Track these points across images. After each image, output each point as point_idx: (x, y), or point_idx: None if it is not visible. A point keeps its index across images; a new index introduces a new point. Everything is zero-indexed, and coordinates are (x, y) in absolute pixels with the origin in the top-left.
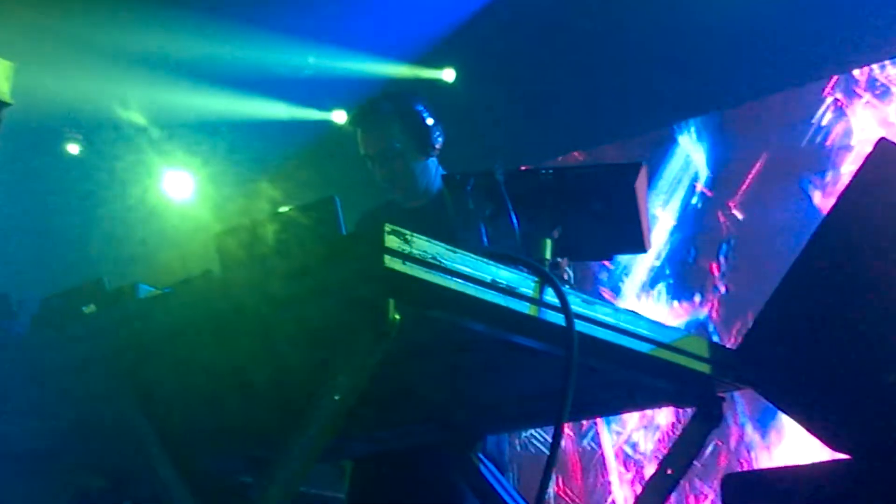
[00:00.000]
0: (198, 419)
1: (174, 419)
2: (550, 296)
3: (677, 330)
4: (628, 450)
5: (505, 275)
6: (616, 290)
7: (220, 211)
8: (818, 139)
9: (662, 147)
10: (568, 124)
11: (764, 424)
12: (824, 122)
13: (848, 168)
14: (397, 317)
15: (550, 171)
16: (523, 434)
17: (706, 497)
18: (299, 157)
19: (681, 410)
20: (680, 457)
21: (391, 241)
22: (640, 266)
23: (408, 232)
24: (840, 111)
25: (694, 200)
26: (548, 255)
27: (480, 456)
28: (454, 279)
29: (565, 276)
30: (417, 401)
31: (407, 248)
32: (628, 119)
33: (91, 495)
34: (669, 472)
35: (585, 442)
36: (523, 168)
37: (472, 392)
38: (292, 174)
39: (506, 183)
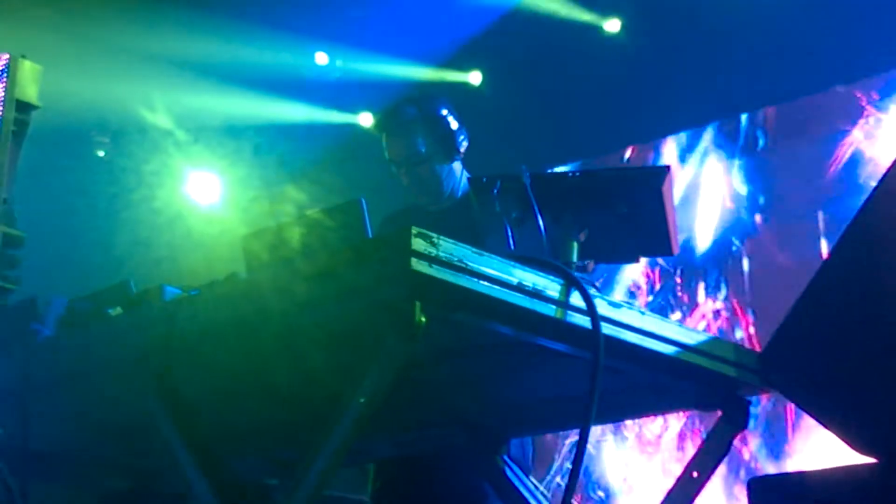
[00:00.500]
0: (223, 421)
1: (199, 421)
2: (577, 298)
3: (703, 333)
4: None
5: (531, 278)
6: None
7: (245, 213)
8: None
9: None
10: (593, 127)
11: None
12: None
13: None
14: (423, 319)
15: (577, 173)
16: None
17: None
18: (325, 159)
19: None
20: (706, 460)
21: (418, 244)
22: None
23: (434, 235)
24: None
25: None
26: (574, 258)
27: (505, 458)
28: (480, 282)
29: (595, 283)
30: (443, 403)
31: (433, 251)
32: (654, 122)
33: (117, 496)
34: (695, 475)
35: None
36: (550, 171)
37: (497, 395)
38: (318, 177)
39: (532, 185)
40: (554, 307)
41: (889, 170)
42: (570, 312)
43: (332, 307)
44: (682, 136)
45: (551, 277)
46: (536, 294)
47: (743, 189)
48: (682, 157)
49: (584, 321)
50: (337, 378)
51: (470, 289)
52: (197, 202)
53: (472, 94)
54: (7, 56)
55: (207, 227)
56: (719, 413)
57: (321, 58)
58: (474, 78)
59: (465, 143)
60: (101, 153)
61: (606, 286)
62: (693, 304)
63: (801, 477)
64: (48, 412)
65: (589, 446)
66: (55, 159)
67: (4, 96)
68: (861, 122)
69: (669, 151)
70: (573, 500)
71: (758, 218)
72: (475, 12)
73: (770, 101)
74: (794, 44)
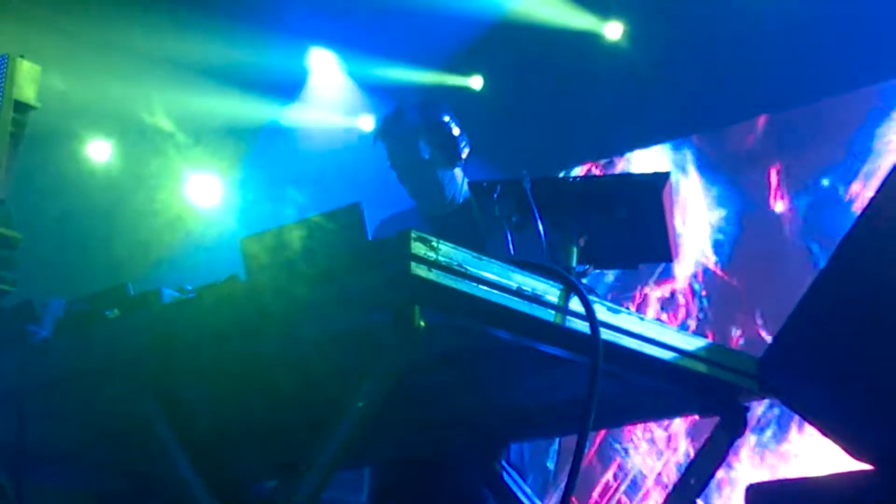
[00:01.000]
0: (221, 423)
1: (198, 423)
2: (576, 304)
3: (702, 339)
4: None
5: (530, 282)
6: None
7: (245, 215)
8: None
9: None
10: (594, 132)
11: None
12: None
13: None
14: (423, 323)
15: (577, 179)
16: None
17: None
18: (325, 161)
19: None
20: (703, 466)
21: (417, 248)
22: None
23: (434, 238)
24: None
25: None
26: (574, 263)
27: (504, 464)
28: (480, 286)
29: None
30: (442, 408)
31: (433, 255)
32: (654, 127)
33: (114, 498)
34: (692, 481)
35: None
36: (550, 176)
37: (496, 399)
38: (318, 179)
39: (532, 190)
40: (553, 312)
41: (889, 175)
42: (569, 317)
43: (331, 311)
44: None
45: (551, 282)
46: (536, 299)
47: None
48: None
49: (583, 326)
50: (336, 381)
51: (469, 293)
52: (197, 204)
53: (473, 99)
54: (5, 56)
55: (207, 229)
56: (717, 419)
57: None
58: (475, 83)
59: (466, 150)
60: (100, 152)
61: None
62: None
63: (797, 483)
64: (45, 414)
65: None
66: (55, 161)
67: (2, 96)
68: None
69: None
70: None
71: None
72: (476, 17)
73: (768, 109)
74: (794, 52)
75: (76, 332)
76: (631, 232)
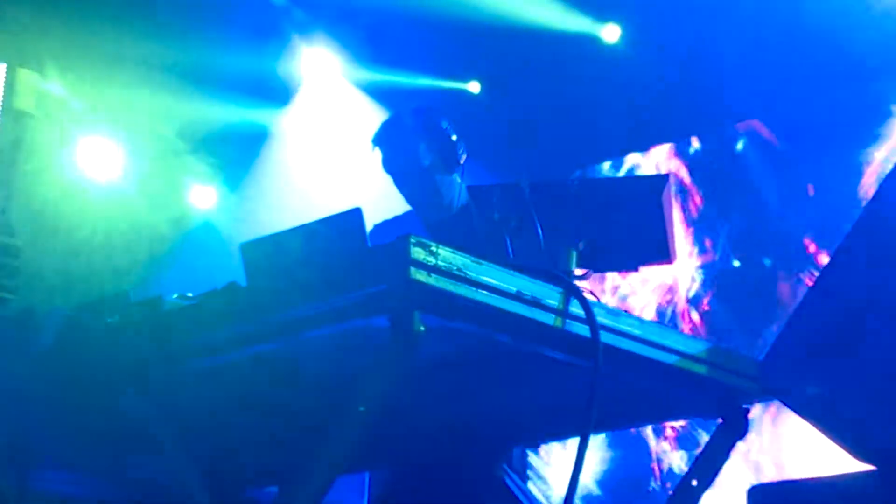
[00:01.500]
0: (222, 430)
1: (199, 430)
2: (576, 307)
3: (703, 341)
4: None
5: (530, 286)
6: None
7: (241, 222)
8: None
9: None
10: (592, 136)
11: None
12: None
13: None
14: (422, 328)
15: (576, 182)
16: None
17: None
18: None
19: None
20: (705, 468)
21: (417, 253)
22: None
23: (433, 243)
24: None
25: None
26: (573, 267)
27: (506, 467)
28: (479, 290)
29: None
30: (443, 412)
31: (432, 260)
32: (653, 130)
33: None
34: (694, 483)
35: None
36: (549, 179)
37: (497, 404)
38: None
39: (531, 194)
40: (553, 316)
41: (888, 176)
42: (569, 321)
43: (331, 316)
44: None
45: (550, 286)
46: (535, 303)
47: None
48: None
49: (583, 330)
50: (337, 386)
51: (469, 297)
52: (196, 209)
53: (471, 104)
54: (4, 66)
55: (207, 234)
56: (719, 421)
57: None
58: (473, 87)
59: (464, 155)
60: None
61: None
62: None
63: (799, 484)
64: (47, 420)
65: None
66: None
67: (2, 105)
68: None
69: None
70: None
71: None
72: (472, 21)
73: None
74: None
75: (78, 339)
76: (630, 235)
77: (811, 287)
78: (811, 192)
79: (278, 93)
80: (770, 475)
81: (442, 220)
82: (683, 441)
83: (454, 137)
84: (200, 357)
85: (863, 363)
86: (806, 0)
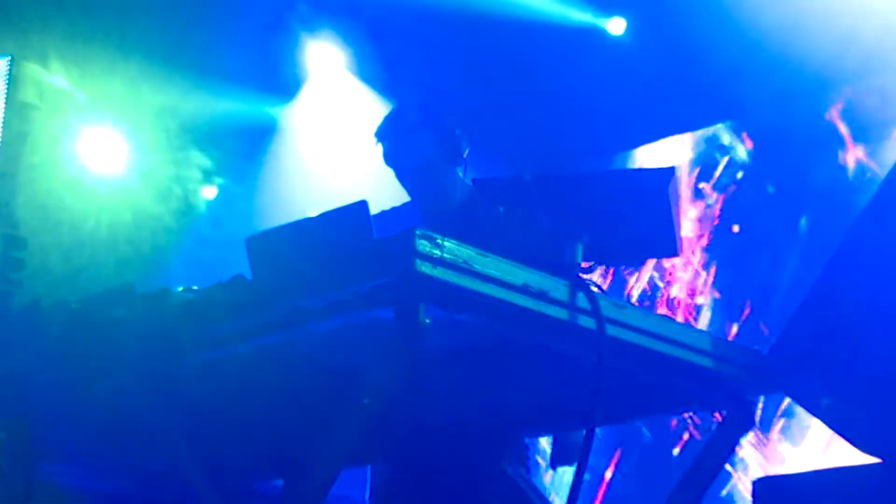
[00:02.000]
0: (228, 422)
1: (204, 421)
2: (581, 300)
3: (707, 334)
4: None
5: (536, 279)
6: None
7: (246, 215)
8: None
9: None
10: (593, 130)
11: None
12: None
13: None
14: (427, 321)
15: (582, 174)
16: None
17: None
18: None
19: None
20: (710, 461)
21: (422, 245)
22: None
23: (438, 236)
24: None
25: None
26: (579, 259)
27: (513, 461)
28: (485, 283)
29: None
30: (447, 405)
31: (437, 252)
32: (658, 123)
33: (122, 497)
34: (699, 476)
35: None
36: (554, 172)
37: (502, 396)
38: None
39: (537, 187)
40: (558, 308)
41: (891, 172)
42: (574, 314)
43: (336, 308)
44: None
45: (556, 279)
46: (541, 295)
47: None
48: None
49: (588, 322)
50: (342, 379)
51: (474, 290)
52: (201, 202)
53: (473, 94)
54: (8, 59)
55: (212, 227)
56: (724, 414)
57: None
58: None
59: (467, 150)
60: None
61: None
62: None
63: (805, 477)
64: (52, 413)
65: None
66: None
67: (6, 97)
68: None
69: None
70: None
71: None
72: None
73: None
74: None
75: (83, 332)
76: (637, 227)
77: (817, 280)
78: None
79: (283, 86)
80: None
81: (443, 215)
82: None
83: (458, 132)
84: (205, 350)
85: (868, 356)
86: None
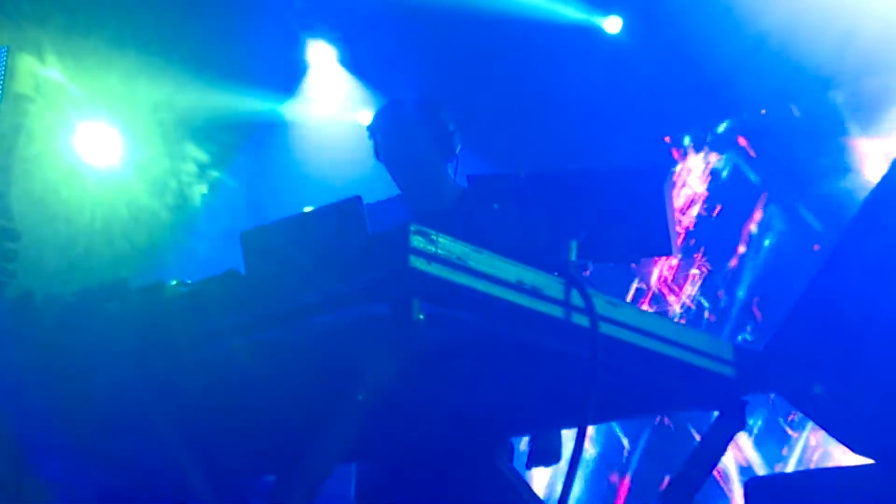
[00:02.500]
0: (221, 417)
1: (198, 417)
2: (575, 297)
3: (701, 333)
4: None
5: (530, 276)
6: None
7: (241, 210)
8: None
9: None
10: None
11: None
12: None
13: None
14: (421, 317)
15: (576, 172)
16: None
17: None
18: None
19: None
20: (703, 460)
21: (416, 241)
22: None
23: (433, 232)
24: None
25: None
26: (573, 257)
27: (504, 458)
28: (479, 279)
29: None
30: (440, 401)
31: (432, 248)
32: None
33: (115, 492)
34: (692, 475)
35: None
36: (549, 169)
37: (496, 393)
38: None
39: (531, 184)
40: (552, 306)
41: (889, 171)
42: (568, 311)
43: (330, 304)
44: None
45: (550, 276)
46: (535, 292)
47: None
48: None
49: (582, 320)
50: (335, 375)
51: (468, 286)
52: (195, 197)
53: (468, 92)
54: (4, 48)
55: (205, 222)
56: (717, 414)
57: None
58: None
59: (459, 146)
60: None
61: None
62: None
63: (798, 477)
64: (45, 407)
65: None
66: (51, 153)
67: (1, 89)
68: None
69: None
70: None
71: None
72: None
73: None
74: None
75: (77, 325)
76: (631, 225)
77: (811, 280)
78: None
79: (279, 80)
80: None
81: (435, 212)
82: None
83: (452, 128)
84: (199, 344)
85: (863, 356)
86: None
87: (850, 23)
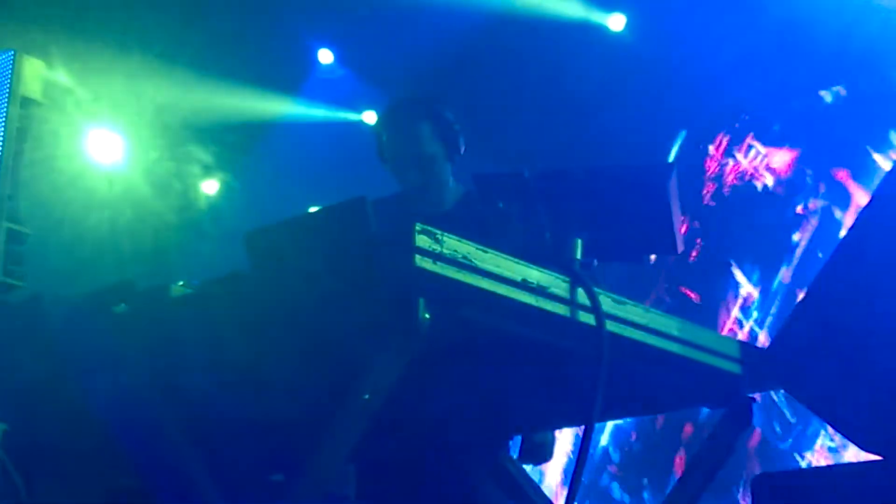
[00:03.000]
0: (227, 418)
1: (203, 418)
2: (581, 296)
3: (707, 330)
4: None
5: (535, 275)
6: None
7: (245, 211)
8: None
9: None
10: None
11: None
12: None
13: None
14: (427, 316)
15: (581, 170)
16: None
17: None
18: (328, 158)
19: None
20: (710, 458)
21: (422, 241)
22: None
23: (438, 231)
24: None
25: None
26: (578, 255)
27: (509, 456)
28: (485, 278)
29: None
30: (447, 400)
31: (437, 248)
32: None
33: (122, 493)
34: (699, 474)
35: None
36: (554, 167)
37: (502, 392)
38: (321, 175)
39: (536, 182)
40: (558, 304)
41: (891, 171)
42: (574, 309)
43: (335, 304)
44: None
45: (556, 274)
46: (541, 291)
47: None
48: None
49: (588, 318)
50: (341, 374)
51: (474, 285)
52: (202, 198)
53: (474, 92)
54: (11, 52)
55: (212, 222)
56: (724, 411)
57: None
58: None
59: (462, 147)
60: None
61: None
62: None
63: (805, 474)
64: (53, 409)
65: None
66: (59, 156)
67: (9, 92)
68: None
69: None
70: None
71: None
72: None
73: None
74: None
75: (83, 327)
76: (636, 224)
77: (817, 276)
78: None
79: (283, 81)
80: None
81: (439, 211)
82: None
83: (457, 127)
84: (205, 345)
85: (869, 352)
86: None
87: (853, 18)
